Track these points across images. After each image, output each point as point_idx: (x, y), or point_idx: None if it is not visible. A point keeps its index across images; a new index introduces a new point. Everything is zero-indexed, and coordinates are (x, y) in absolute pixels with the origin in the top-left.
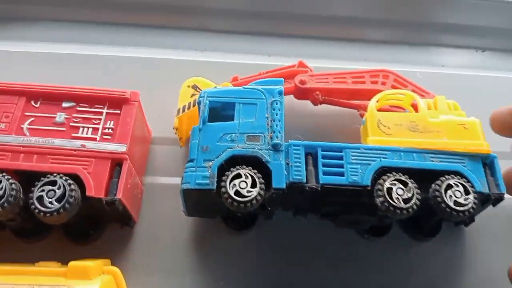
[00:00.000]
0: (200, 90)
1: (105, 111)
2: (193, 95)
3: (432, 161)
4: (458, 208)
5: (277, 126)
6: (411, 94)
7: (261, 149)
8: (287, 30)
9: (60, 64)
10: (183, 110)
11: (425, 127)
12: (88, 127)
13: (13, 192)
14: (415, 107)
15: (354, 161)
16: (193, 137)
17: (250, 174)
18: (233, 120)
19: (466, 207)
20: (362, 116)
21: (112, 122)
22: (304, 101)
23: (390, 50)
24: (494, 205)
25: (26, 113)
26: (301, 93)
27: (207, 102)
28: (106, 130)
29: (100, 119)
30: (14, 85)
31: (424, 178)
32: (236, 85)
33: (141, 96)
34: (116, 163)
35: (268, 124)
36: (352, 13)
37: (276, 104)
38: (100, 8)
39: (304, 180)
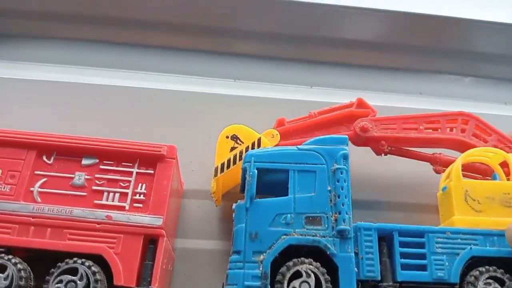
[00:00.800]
0: (241, 142)
1: (135, 170)
2: (232, 148)
3: None
4: None
5: (343, 204)
6: (503, 154)
7: (324, 236)
8: (331, 57)
9: (67, 95)
10: (222, 170)
11: None
12: (114, 192)
13: (22, 282)
14: (504, 165)
15: (439, 250)
16: (239, 219)
17: (312, 271)
18: (283, 181)
19: None
20: (437, 172)
21: (144, 185)
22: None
23: (447, 82)
24: None
25: (36, 172)
26: (362, 141)
27: (255, 171)
28: (137, 196)
29: (129, 181)
30: (21, 136)
31: None
32: (282, 131)
33: (170, 138)
34: (150, 240)
35: (331, 201)
36: (404, 41)
37: (341, 173)
38: (112, 27)
39: (379, 277)
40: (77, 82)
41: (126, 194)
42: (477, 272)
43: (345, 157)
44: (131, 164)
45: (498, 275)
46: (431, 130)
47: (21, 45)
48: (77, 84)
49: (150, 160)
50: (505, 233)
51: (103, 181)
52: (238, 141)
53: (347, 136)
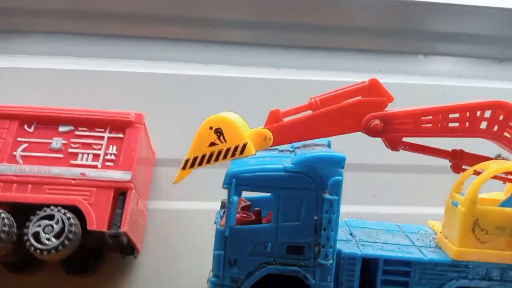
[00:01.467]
0: (224, 140)
1: (106, 135)
2: (212, 144)
3: None
4: None
5: (328, 238)
6: None
7: (305, 266)
8: (296, 41)
9: (53, 81)
10: (192, 165)
11: None
12: (88, 153)
13: (6, 228)
14: None
15: (423, 281)
16: (218, 244)
17: None
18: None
19: None
20: (455, 171)
21: (115, 147)
22: None
23: (405, 60)
24: None
25: (19, 139)
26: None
27: (236, 198)
28: (108, 156)
29: (101, 144)
30: (5, 108)
31: None
32: (276, 130)
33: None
34: (120, 192)
35: (316, 231)
36: (364, 23)
37: (330, 205)
38: (93, 20)
39: None
40: (54, 68)
41: (99, 155)
42: None
43: (338, 184)
44: (103, 130)
45: None
46: (457, 125)
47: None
48: (54, 71)
49: (120, 126)
50: None
51: (78, 145)
52: (222, 137)
53: (344, 156)
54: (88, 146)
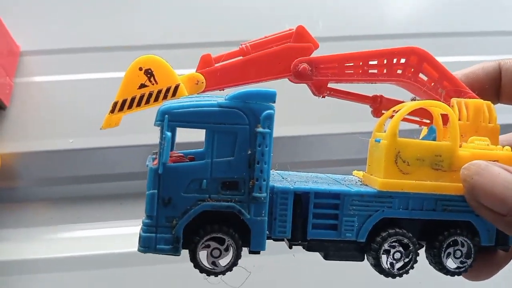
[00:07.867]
0: (155, 81)
1: None
2: (142, 85)
3: (445, 209)
4: None
5: (261, 171)
6: (444, 107)
7: (240, 201)
8: None
9: None
10: (121, 108)
11: (450, 164)
12: None
13: None
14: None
15: (351, 212)
16: (151, 183)
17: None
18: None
19: None
20: (376, 115)
21: None
22: None
23: None
24: None
25: None
26: (300, 81)
27: (169, 134)
28: None
29: None
30: None
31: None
32: (209, 74)
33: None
34: None
35: (250, 165)
36: None
37: (263, 137)
38: None
39: (289, 236)
40: None
41: None
42: (386, 234)
43: (270, 118)
44: None
45: (405, 240)
46: (376, 71)
47: None
48: None
49: None
50: (461, 172)
51: None
52: (152, 79)
53: (275, 91)
54: None
